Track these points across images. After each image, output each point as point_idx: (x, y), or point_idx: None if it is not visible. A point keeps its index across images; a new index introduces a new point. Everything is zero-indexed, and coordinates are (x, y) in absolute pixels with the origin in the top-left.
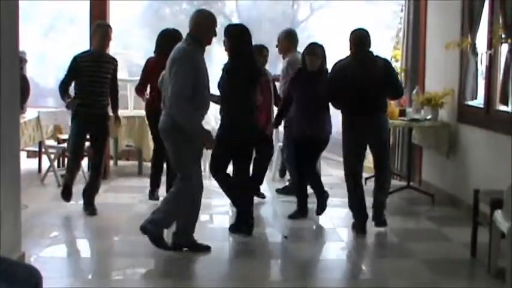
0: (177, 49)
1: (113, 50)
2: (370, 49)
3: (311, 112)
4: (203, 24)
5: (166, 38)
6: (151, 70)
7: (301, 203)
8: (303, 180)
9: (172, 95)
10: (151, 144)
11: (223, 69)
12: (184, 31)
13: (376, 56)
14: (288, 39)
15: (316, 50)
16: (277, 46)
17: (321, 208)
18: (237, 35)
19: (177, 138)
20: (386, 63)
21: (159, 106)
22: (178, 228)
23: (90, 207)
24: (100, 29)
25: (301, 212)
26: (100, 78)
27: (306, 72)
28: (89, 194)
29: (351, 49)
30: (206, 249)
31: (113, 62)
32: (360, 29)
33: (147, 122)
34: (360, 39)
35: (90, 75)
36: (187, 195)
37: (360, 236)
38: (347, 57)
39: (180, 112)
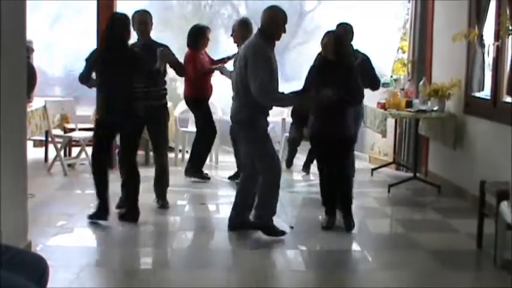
0: (249, 44)
1: None
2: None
3: (328, 107)
4: (274, 20)
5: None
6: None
7: (329, 210)
8: (330, 186)
9: (261, 88)
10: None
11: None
12: (190, 21)
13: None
14: (242, 28)
15: (329, 36)
16: (231, 35)
17: (348, 225)
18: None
19: (252, 131)
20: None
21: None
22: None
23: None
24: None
25: (331, 220)
26: None
27: (322, 60)
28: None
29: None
30: (281, 233)
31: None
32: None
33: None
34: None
35: None
36: (273, 180)
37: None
38: None
39: (275, 99)
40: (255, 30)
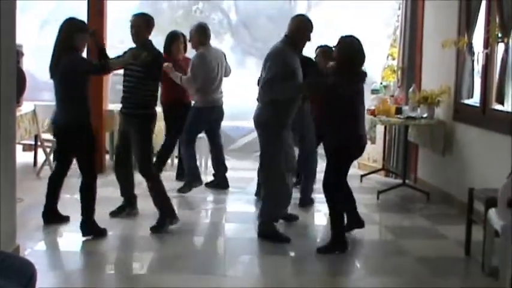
0: (272, 48)
1: (109, 43)
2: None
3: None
4: (300, 29)
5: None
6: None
7: (339, 234)
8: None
9: (265, 83)
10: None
11: None
12: (181, 26)
13: None
14: (199, 33)
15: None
16: (189, 41)
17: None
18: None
19: (270, 129)
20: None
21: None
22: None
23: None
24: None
25: (337, 245)
26: None
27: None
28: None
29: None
30: (286, 240)
31: None
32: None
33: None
34: None
35: None
36: (277, 187)
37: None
38: None
39: (275, 92)
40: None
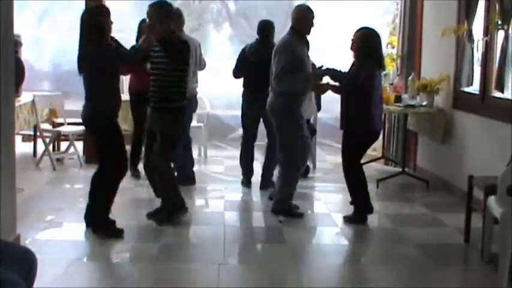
0: (280, 41)
1: None
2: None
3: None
4: (302, 18)
5: None
6: None
7: (361, 202)
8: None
9: (277, 75)
10: None
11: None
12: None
13: None
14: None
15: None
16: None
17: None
18: None
19: (285, 116)
20: None
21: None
22: (278, 198)
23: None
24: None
25: (361, 215)
26: None
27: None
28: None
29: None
30: (299, 215)
31: None
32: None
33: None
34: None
35: None
36: (293, 164)
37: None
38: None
39: (286, 83)
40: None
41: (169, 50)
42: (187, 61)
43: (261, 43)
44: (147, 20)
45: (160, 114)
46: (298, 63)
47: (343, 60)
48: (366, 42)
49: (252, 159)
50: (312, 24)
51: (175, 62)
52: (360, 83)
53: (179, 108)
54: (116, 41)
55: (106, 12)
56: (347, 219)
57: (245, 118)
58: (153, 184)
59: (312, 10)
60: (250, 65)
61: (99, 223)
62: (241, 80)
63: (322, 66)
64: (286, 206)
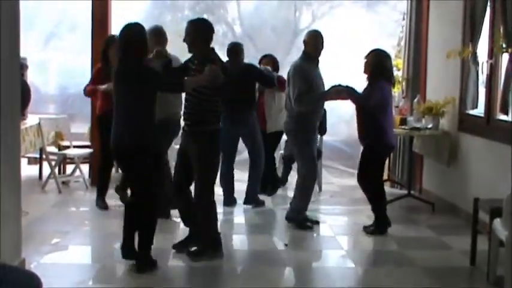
0: (293, 65)
1: None
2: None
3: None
4: (311, 42)
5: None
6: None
7: (380, 216)
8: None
9: (297, 96)
10: None
11: None
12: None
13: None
14: (155, 37)
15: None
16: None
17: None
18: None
19: (301, 136)
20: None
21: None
22: (294, 207)
23: None
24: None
25: (380, 226)
26: None
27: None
28: None
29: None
30: (310, 227)
31: None
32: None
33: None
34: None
35: None
36: (310, 179)
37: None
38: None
39: (303, 104)
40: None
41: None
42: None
43: (231, 65)
44: (184, 35)
45: (195, 137)
46: (309, 84)
47: (347, 81)
48: (379, 63)
49: (231, 179)
50: (321, 48)
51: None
52: (373, 102)
53: (216, 131)
54: (169, 61)
55: (144, 30)
56: (367, 230)
57: (225, 140)
58: (182, 211)
59: (321, 34)
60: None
61: (146, 260)
62: None
63: (339, 84)
64: (300, 217)
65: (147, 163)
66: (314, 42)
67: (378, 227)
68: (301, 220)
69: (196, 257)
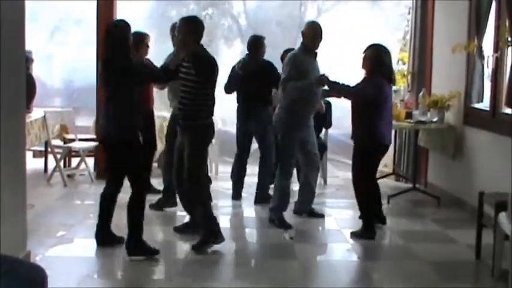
0: (290, 53)
1: None
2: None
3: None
4: (310, 34)
5: None
6: None
7: (368, 224)
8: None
9: (280, 84)
10: None
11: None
12: None
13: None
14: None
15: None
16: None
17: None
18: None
19: (286, 129)
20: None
21: None
22: (274, 205)
23: None
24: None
25: (369, 231)
26: None
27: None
28: None
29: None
30: (289, 227)
31: None
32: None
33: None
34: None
35: None
36: (286, 175)
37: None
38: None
39: (286, 91)
40: None
41: (199, 67)
42: (216, 78)
43: (250, 58)
44: (176, 33)
45: (188, 132)
46: (302, 74)
47: (352, 77)
48: (376, 58)
49: (243, 174)
50: (320, 40)
51: (205, 80)
52: (369, 94)
53: (206, 125)
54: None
55: (129, 27)
56: (354, 235)
57: (238, 133)
58: (183, 201)
59: (320, 26)
60: (241, 81)
61: (138, 246)
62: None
63: (323, 74)
64: (278, 216)
65: (133, 153)
66: (312, 34)
67: (365, 232)
68: (279, 219)
69: (199, 249)
